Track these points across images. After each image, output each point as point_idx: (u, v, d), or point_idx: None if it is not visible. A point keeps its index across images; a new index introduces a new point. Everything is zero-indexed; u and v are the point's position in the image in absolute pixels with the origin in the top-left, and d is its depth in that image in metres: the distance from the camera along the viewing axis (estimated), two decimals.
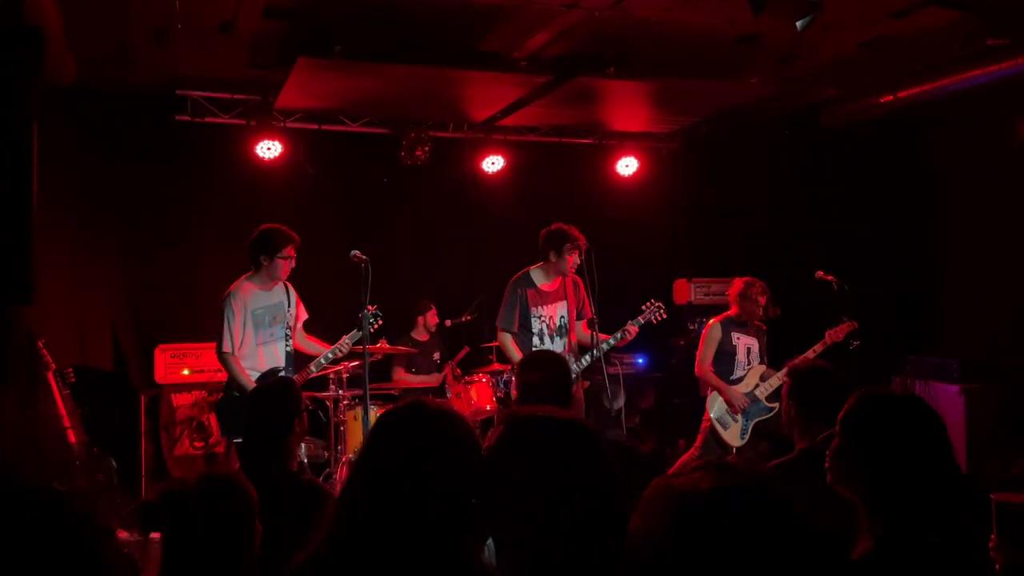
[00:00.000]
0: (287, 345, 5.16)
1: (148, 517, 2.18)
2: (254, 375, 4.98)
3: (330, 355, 5.19)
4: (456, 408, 1.90)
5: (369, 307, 5.15)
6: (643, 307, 5.61)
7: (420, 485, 1.65)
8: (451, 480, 1.65)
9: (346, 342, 5.17)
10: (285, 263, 5.05)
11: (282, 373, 5.04)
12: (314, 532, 1.72)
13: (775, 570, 1.04)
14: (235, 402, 4.93)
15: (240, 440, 4.72)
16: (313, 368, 5.22)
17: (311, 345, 5.32)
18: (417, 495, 1.64)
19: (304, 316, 5.39)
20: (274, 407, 3.18)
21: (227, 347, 4.95)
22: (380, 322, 5.33)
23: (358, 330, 5.16)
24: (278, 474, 3.09)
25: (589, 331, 5.53)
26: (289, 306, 5.20)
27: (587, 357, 5.54)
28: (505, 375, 6.77)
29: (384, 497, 1.66)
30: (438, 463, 1.67)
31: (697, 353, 6.01)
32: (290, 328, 5.19)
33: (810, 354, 5.87)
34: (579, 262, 5.45)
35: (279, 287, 5.18)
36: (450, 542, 1.64)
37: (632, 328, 5.47)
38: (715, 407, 5.84)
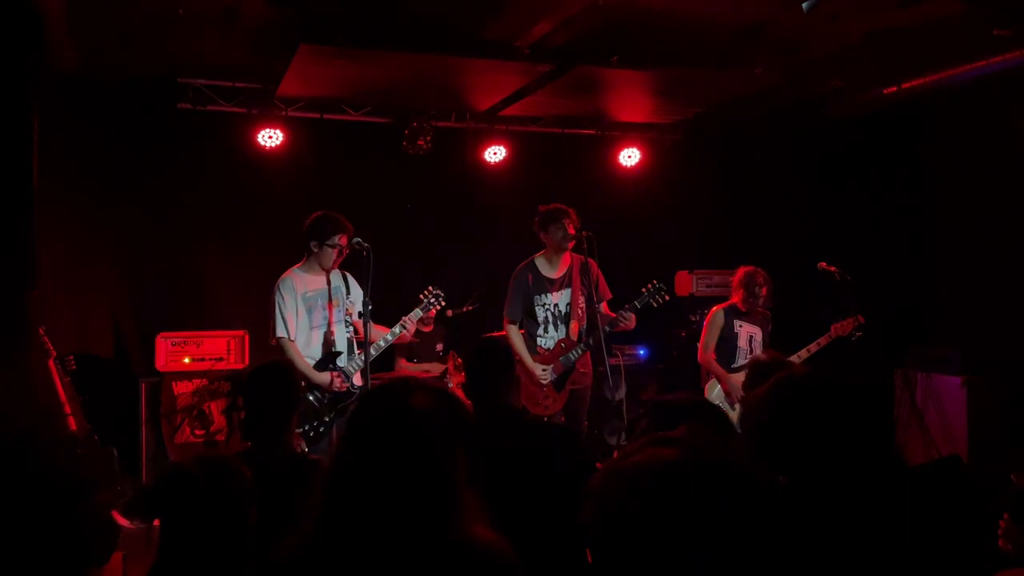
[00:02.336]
0: (347, 330, 5.11)
1: (148, 501, 2.17)
2: (311, 362, 4.96)
3: (389, 337, 5.14)
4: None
5: (430, 287, 5.37)
6: (643, 290, 5.53)
7: (405, 460, 1.69)
8: (435, 455, 1.70)
9: (406, 321, 5.17)
10: (334, 251, 5.00)
11: (343, 358, 5.02)
12: (305, 514, 1.75)
13: (735, 534, 1.03)
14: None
15: (303, 429, 4.82)
16: (372, 351, 5.07)
17: (376, 332, 5.18)
18: (402, 470, 1.68)
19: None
20: (274, 387, 3.19)
21: (280, 332, 4.94)
22: (443, 303, 5.44)
23: (420, 309, 5.27)
24: (283, 453, 3.12)
25: (612, 313, 5.46)
26: (348, 293, 5.15)
27: (578, 349, 5.50)
28: None
29: (371, 475, 1.70)
30: (422, 439, 1.72)
31: (700, 340, 6.01)
32: (349, 314, 5.12)
33: (814, 347, 5.87)
34: (576, 233, 5.40)
35: (335, 274, 5.13)
36: (438, 516, 1.68)
37: (630, 315, 5.38)
38: (712, 395, 5.85)
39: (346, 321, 5.11)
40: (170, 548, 2.13)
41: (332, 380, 4.91)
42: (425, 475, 1.69)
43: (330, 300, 5.05)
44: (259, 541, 2.13)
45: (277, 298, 4.98)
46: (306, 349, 5.00)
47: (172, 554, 2.13)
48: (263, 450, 3.11)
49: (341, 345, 5.06)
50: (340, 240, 4.98)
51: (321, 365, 4.96)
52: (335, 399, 4.94)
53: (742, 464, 1.11)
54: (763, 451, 1.63)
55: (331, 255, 5.01)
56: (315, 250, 5.02)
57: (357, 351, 5.12)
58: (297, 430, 4.86)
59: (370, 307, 4.94)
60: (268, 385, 3.20)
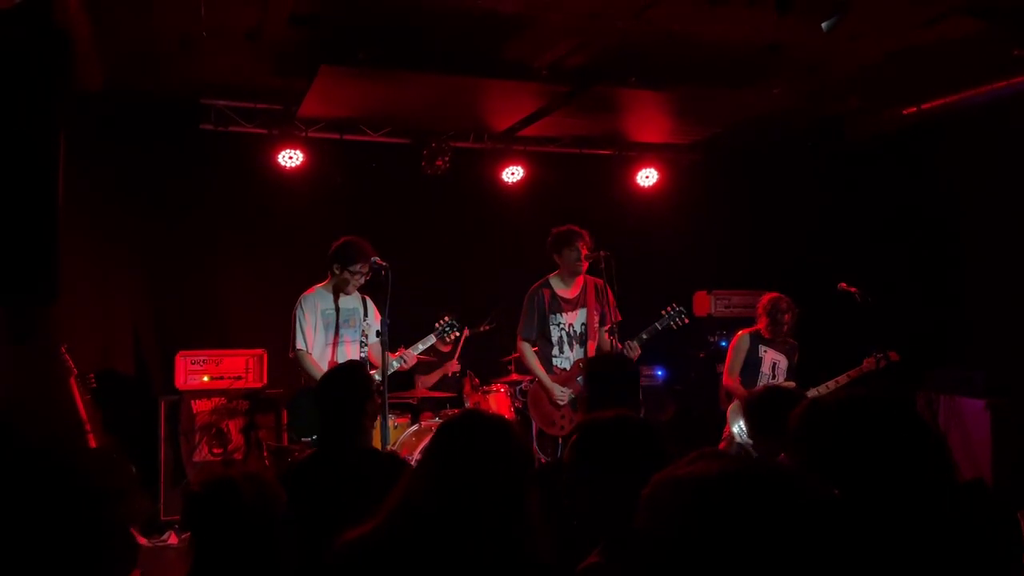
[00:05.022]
0: (362, 351, 5.28)
1: (194, 507, 2.17)
2: None
3: (403, 359, 5.33)
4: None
5: (446, 316, 5.54)
6: (662, 312, 5.55)
7: (476, 481, 1.85)
8: (503, 476, 1.87)
9: (419, 347, 5.35)
10: (355, 277, 5.22)
11: None
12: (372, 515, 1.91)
13: (792, 542, 1.03)
14: (310, 403, 5.05)
15: (312, 439, 4.97)
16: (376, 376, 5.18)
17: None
18: (474, 490, 1.84)
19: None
20: (348, 386, 3.26)
21: (300, 344, 5.16)
22: (456, 333, 5.65)
23: (434, 335, 5.46)
24: (358, 450, 3.19)
25: (609, 337, 5.45)
26: (365, 315, 5.35)
27: None
28: (523, 385, 6.74)
29: (445, 491, 1.85)
30: (490, 462, 1.88)
31: (725, 364, 5.98)
32: (365, 336, 5.29)
33: (843, 379, 5.82)
34: (588, 254, 5.42)
35: (355, 296, 5.35)
36: (502, 530, 1.81)
37: (636, 348, 5.37)
38: (736, 419, 5.79)
39: (361, 342, 5.26)
40: (206, 559, 2.13)
41: None
42: (495, 500, 1.84)
43: (347, 320, 5.23)
44: (334, 533, 2.16)
45: (299, 312, 5.18)
46: (321, 363, 5.15)
47: (208, 565, 2.12)
48: (337, 445, 3.18)
49: None
50: (361, 268, 5.17)
51: None
52: None
53: (799, 476, 1.11)
54: (819, 465, 1.63)
55: (351, 280, 5.21)
56: (337, 273, 5.21)
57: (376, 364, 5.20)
58: (304, 439, 5.07)
59: (388, 325, 5.02)
60: (341, 382, 3.30)
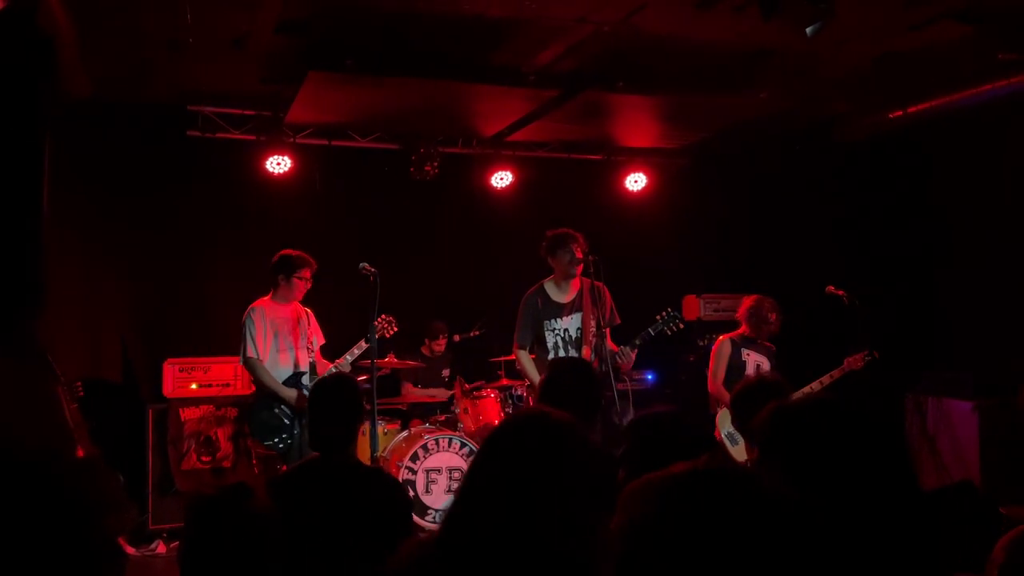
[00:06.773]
0: (310, 356, 5.47)
1: (199, 511, 2.15)
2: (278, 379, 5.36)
3: (349, 358, 5.49)
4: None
5: (383, 315, 5.63)
6: (656, 317, 5.53)
7: (537, 493, 1.64)
8: (567, 489, 1.66)
9: (355, 352, 5.45)
10: (301, 283, 5.45)
11: (307, 377, 5.40)
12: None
13: (764, 537, 1.04)
14: (265, 407, 5.31)
15: (272, 442, 5.29)
16: (334, 370, 5.42)
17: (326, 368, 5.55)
18: (535, 502, 1.64)
19: (321, 341, 5.64)
20: (341, 397, 3.28)
21: (251, 352, 5.33)
22: (395, 328, 5.76)
23: (364, 340, 5.50)
24: (349, 463, 3.21)
25: (615, 346, 5.38)
26: (309, 324, 5.54)
27: None
28: (515, 390, 6.73)
29: (501, 503, 1.66)
30: (555, 472, 1.67)
31: (708, 369, 5.97)
32: (311, 343, 5.48)
33: (827, 379, 5.82)
34: (583, 257, 5.39)
35: (299, 308, 5.55)
36: (565, 548, 1.62)
37: (631, 353, 5.33)
38: (725, 424, 5.79)
39: (308, 348, 5.47)
40: (201, 561, 2.12)
41: (299, 397, 5.25)
42: (557, 509, 1.66)
43: (298, 328, 5.45)
44: (323, 545, 2.11)
45: (248, 323, 5.37)
46: (273, 369, 5.36)
47: (200, 566, 2.11)
48: (331, 458, 3.18)
49: (304, 367, 5.45)
50: (304, 273, 5.41)
51: (291, 382, 5.35)
52: (300, 414, 5.22)
53: (761, 478, 1.11)
54: (781, 468, 1.62)
55: (299, 287, 5.44)
56: (283, 283, 5.44)
57: (319, 373, 5.48)
58: (266, 443, 5.30)
59: (376, 332, 5.06)
60: (336, 396, 3.30)
